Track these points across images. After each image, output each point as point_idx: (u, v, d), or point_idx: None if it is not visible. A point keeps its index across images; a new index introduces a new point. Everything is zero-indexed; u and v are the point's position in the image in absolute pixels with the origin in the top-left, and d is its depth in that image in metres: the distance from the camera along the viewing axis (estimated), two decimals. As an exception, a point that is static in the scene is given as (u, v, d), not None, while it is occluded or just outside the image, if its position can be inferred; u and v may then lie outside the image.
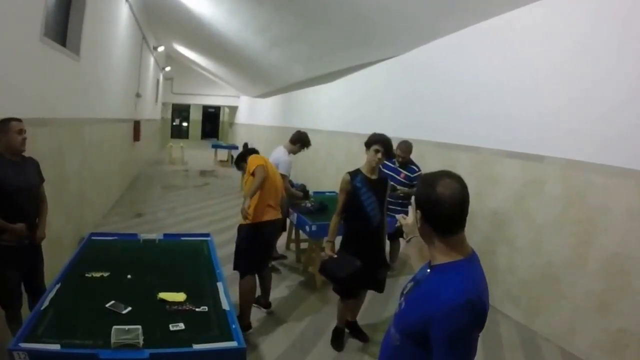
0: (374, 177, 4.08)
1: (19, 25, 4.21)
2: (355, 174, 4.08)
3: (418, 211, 1.72)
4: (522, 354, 4.59)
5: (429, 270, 1.78)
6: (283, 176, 5.92)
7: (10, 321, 3.53)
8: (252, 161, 4.62)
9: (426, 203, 1.69)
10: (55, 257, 4.87)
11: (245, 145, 19.56)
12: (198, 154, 21.75)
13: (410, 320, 1.72)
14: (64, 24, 6.14)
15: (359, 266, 3.88)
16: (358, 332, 4.59)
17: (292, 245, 7.29)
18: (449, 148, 6.54)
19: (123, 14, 9.95)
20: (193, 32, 13.72)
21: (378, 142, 3.98)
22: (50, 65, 5.19)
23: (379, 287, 4.30)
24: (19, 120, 3.47)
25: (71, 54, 6.04)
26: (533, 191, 5.13)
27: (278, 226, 4.97)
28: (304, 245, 6.95)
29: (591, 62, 4.54)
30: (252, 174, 4.48)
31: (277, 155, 6.15)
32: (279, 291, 5.71)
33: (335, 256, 4.06)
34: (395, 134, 6.78)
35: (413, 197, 1.76)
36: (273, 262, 6.47)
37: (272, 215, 4.62)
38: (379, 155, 3.97)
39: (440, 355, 1.58)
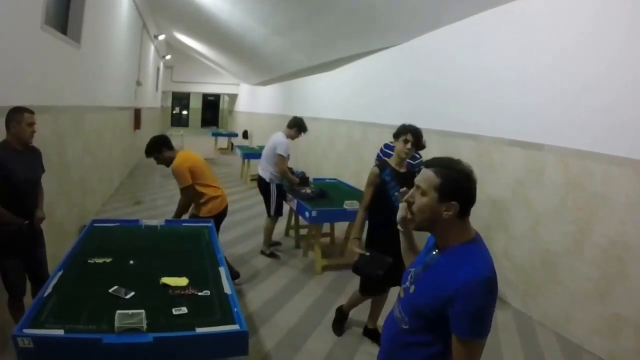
0: (402, 170, 3.92)
1: (21, 14, 4.22)
2: (383, 167, 3.93)
3: (455, 203, 1.71)
4: (518, 339, 4.65)
5: (434, 253, 1.83)
6: (281, 157, 6.05)
7: (12, 309, 3.57)
8: (181, 172, 4.74)
9: (468, 193, 1.73)
10: (58, 244, 4.93)
11: (245, 132, 19.64)
12: (198, 142, 21.69)
13: (425, 302, 1.76)
14: (64, 12, 6.14)
15: (391, 262, 3.72)
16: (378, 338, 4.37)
17: (291, 232, 7.37)
18: (451, 136, 6.54)
19: (123, 2, 9.94)
20: (194, 20, 13.63)
21: (408, 132, 3.83)
22: (52, 53, 5.21)
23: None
24: (31, 112, 3.49)
25: (72, 42, 6.05)
26: (533, 179, 5.15)
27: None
28: (303, 232, 7.01)
29: (595, 52, 4.51)
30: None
31: (275, 138, 6.34)
32: (278, 276, 5.79)
33: (367, 253, 3.80)
34: (397, 122, 6.76)
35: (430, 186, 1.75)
36: (270, 249, 6.56)
37: (223, 200, 5.17)
38: (409, 145, 3.79)
39: (463, 330, 1.65)
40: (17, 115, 3.42)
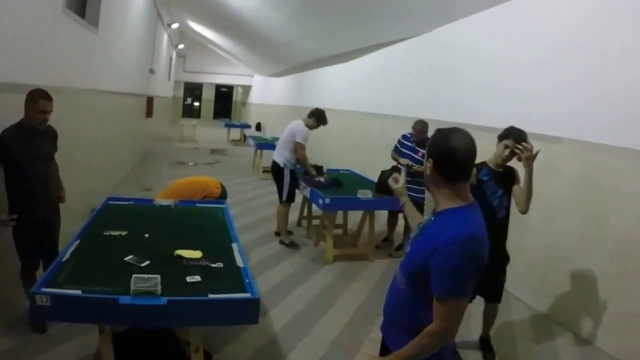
0: (500, 169, 3.76)
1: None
2: (480, 166, 3.81)
3: (430, 160, 1.87)
4: (532, 334, 4.62)
5: (429, 216, 1.95)
6: (300, 145, 6.14)
7: (25, 278, 3.61)
8: None
9: (441, 152, 1.84)
10: (68, 227, 4.95)
11: (258, 125, 19.69)
12: (209, 133, 21.85)
13: (415, 261, 1.87)
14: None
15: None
16: (486, 348, 4.15)
17: (303, 223, 7.42)
18: (465, 128, 6.53)
19: (140, -11, 10.01)
20: (209, 7, 13.66)
21: (511, 137, 3.66)
22: (71, 36, 5.27)
23: (495, 295, 3.95)
24: (48, 99, 3.47)
25: (90, 27, 6.09)
26: (546, 172, 5.00)
27: None
28: (316, 222, 7.04)
29: (608, 45, 4.53)
30: None
31: (295, 125, 6.36)
32: (289, 263, 5.84)
33: None
34: (412, 113, 6.84)
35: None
36: (290, 237, 6.63)
37: None
38: (507, 152, 3.64)
39: (439, 288, 1.74)
40: (32, 99, 3.42)
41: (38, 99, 3.41)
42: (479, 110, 6.32)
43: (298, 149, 6.22)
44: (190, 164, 12.96)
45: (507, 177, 3.76)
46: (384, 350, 2.12)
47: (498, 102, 6.00)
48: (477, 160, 3.69)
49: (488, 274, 3.92)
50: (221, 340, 3.81)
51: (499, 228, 3.73)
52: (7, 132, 3.39)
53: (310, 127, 6.38)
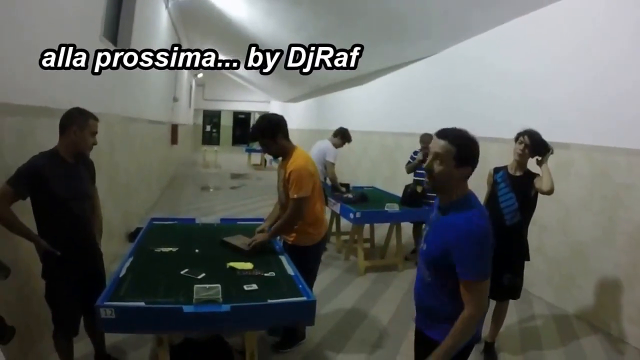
0: (518, 173, 3.79)
1: (83, 24, 4.50)
2: (498, 169, 3.93)
3: (469, 167, 2.01)
4: (555, 332, 4.73)
5: (437, 212, 2.13)
6: (331, 164, 6.43)
7: (61, 347, 3.06)
8: (304, 177, 3.54)
9: (478, 157, 2.02)
10: (107, 243, 5.04)
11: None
12: (230, 158, 22.11)
13: (433, 254, 2.05)
14: (115, 24, 6.42)
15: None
16: (491, 353, 4.10)
17: (332, 239, 7.48)
18: (482, 140, 6.60)
19: (163, 19, 10.32)
20: (227, 35, 13.88)
21: (525, 134, 3.75)
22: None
23: (500, 293, 3.86)
24: (96, 119, 2.99)
25: (123, 54, 6.29)
26: (560, 175, 5.12)
27: None
28: (344, 237, 7.19)
29: (609, 56, 4.79)
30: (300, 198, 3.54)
31: (323, 145, 6.65)
32: (323, 276, 5.86)
33: None
34: (429, 130, 6.94)
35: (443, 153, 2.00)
36: None
37: (326, 223, 4.12)
38: (522, 146, 3.72)
39: (465, 273, 1.94)
40: (81, 119, 2.87)
41: (89, 119, 2.91)
42: (494, 122, 6.47)
43: (329, 167, 6.47)
44: (211, 189, 13.12)
45: (523, 182, 3.75)
46: (423, 340, 2.25)
47: (512, 114, 6.18)
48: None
49: (495, 274, 3.97)
50: (268, 348, 3.95)
51: (507, 234, 3.68)
52: (41, 160, 2.78)
53: (337, 146, 6.71)
